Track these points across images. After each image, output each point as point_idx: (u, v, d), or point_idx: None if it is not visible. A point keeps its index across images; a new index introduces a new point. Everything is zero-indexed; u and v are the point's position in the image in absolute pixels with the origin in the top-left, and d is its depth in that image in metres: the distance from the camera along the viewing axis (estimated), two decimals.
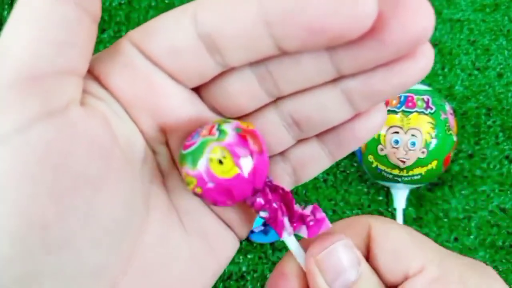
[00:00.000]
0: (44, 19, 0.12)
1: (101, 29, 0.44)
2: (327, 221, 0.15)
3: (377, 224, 0.16)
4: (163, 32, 0.14)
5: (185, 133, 0.16)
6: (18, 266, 0.12)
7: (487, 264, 0.16)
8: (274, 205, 0.15)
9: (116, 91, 0.15)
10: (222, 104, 0.16)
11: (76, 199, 0.12)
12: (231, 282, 0.39)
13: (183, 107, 0.15)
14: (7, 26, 0.12)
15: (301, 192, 0.41)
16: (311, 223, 0.15)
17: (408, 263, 0.15)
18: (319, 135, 0.17)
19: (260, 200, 0.15)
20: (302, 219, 0.15)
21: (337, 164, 0.42)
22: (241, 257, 0.40)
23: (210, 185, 0.14)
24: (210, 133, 0.14)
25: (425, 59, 0.14)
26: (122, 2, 0.45)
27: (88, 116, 0.13)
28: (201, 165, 0.14)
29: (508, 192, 0.40)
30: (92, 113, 0.13)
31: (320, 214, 0.15)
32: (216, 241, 0.16)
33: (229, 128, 0.14)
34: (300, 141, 0.17)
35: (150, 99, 0.15)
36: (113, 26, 0.44)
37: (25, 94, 0.12)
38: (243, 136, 0.14)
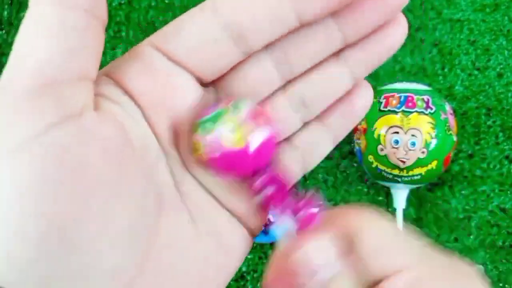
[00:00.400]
0: (55, 27, 0.12)
1: None
2: (318, 218, 0.15)
3: (362, 219, 0.16)
4: (185, 30, 0.15)
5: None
6: (41, 267, 0.12)
7: (484, 264, 0.16)
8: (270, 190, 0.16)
9: (137, 94, 0.15)
10: (239, 91, 0.16)
11: (93, 202, 0.13)
12: (231, 282, 0.39)
13: (198, 108, 0.16)
14: (20, 35, 0.13)
15: (301, 192, 0.41)
16: (303, 216, 0.15)
17: (389, 262, 0.15)
18: (321, 118, 0.18)
19: (259, 182, 0.15)
20: (294, 212, 0.16)
21: (337, 164, 0.42)
22: None
23: (216, 153, 0.15)
24: (226, 106, 0.15)
25: (403, 25, 0.17)
26: (122, 2, 0.45)
27: (102, 120, 0.14)
28: (212, 133, 0.15)
29: (508, 192, 0.40)
30: (105, 117, 0.14)
31: (313, 209, 0.15)
32: (229, 240, 0.17)
33: (244, 105, 0.15)
34: (304, 125, 0.18)
35: (169, 99, 0.15)
36: (113, 26, 0.44)
37: (41, 101, 0.12)
38: (256, 114, 0.15)
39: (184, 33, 0.15)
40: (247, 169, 0.15)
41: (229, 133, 0.14)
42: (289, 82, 0.17)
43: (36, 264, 0.12)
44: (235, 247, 0.17)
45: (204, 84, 0.16)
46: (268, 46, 0.16)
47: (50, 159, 0.12)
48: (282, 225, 0.16)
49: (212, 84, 0.17)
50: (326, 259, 0.15)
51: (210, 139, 0.15)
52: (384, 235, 0.15)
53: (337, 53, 0.17)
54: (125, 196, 0.14)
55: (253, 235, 0.18)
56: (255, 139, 0.15)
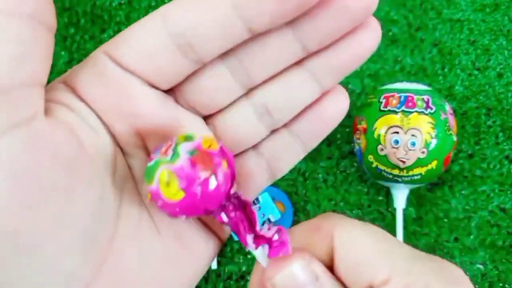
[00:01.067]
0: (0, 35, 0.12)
1: (101, 29, 0.44)
2: (289, 246, 0.15)
3: (341, 232, 0.15)
4: (134, 38, 0.15)
5: (161, 136, 0.16)
6: None
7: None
8: (236, 219, 0.15)
9: (91, 101, 0.15)
10: (197, 101, 0.16)
11: (44, 207, 0.13)
12: (231, 282, 0.39)
13: (157, 111, 0.16)
14: None
15: (301, 192, 0.41)
16: (275, 244, 0.15)
17: (372, 275, 0.14)
18: (289, 125, 0.18)
19: (222, 216, 0.15)
20: (265, 238, 0.15)
21: (337, 164, 0.42)
22: (241, 257, 0.40)
23: (160, 203, 0.14)
24: (165, 152, 0.14)
25: (375, 30, 0.16)
26: (122, 2, 0.45)
27: (53, 127, 0.13)
28: (153, 184, 0.14)
29: (508, 192, 0.40)
30: (57, 124, 0.14)
31: (284, 237, 0.15)
32: (193, 241, 0.17)
33: (184, 150, 0.14)
34: (272, 133, 0.18)
35: (124, 105, 0.15)
36: (113, 26, 0.44)
37: None
38: (193, 161, 0.14)
39: (133, 41, 0.15)
40: (198, 213, 0.15)
41: (166, 186, 0.14)
42: (251, 90, 0.17)
43: None
44: (200, 248, 0.17)
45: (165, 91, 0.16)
46: (223, 55, 0.16)
47: (0, 166, 0.12)
48: (255, 251, 0.15)
49: (171, 93, 0.16)
50: (309, 278, 0.15)
51: (151, 189, 0.14)
52: (365, 246, 0.15)
53: (300, 61, 0.16)
54: (78, 202, 0.13)
55: (221, 240, 0.17)
56: (193, 189, 0.14)
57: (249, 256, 0.40)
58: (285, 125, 0.18)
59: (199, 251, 0.17)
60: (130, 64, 0.15)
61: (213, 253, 0.17)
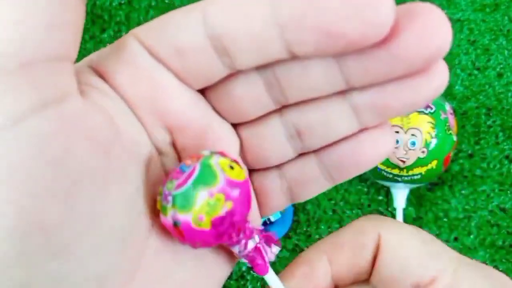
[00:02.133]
0: (27, 1, 0.11)
1: (101, 29, 0.44)
2: (266, 267, 0.15)
3: (388, 234, 0.15)
4: (171, 30, 0.14)
5: (192, 134, 0.15)
6: (19, 271, 0.11)
7: (499, 271, 0.15)
8: (250, 249, 0.15)
9: (121, 90, 0.14)
10: (226, 107, 0.15)
11: (79, 199, 0.11)
12: (231, 281, 0.39)
13: (188, 108, 0.15)
14: None
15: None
16: (257, 263, 0.15)
17: (420, 274, 0.15)
18: (320, 154, 0.16)
19: (235, 249, 0.15)
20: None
21: None
22: None
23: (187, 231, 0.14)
24: (178, 187, 0.13)
25: (439, 78, 0.14)
26: (122, 2, 0.45)
27: (89, 109, 0.12)
28: (161, 218, 0.14)
29: (508, 192, 0.40)
30: (93, 106, 0.13)
31: (261, 256, 0.15)
32: (208, 264, 0.16)
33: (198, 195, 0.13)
34: (299, 157, 0.16)
35: (155, 99, 0.14)
36: (113, 26, 0.44)
37: (16, 84, 0.11)
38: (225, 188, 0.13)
39: (168, 32, 0.14)
40: (208, 245, 0.14)
41: (174, 225, 0.13)
42: (285, 107, 0.15)
43: (14, 268, 0.11)
44: (217, 267, 0.16)
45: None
46: (259, 68, 0.14)
47: (28, 150, 0.11)
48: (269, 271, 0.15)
49: (202, 95, 0.15)
50: None
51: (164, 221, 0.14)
52: (413, 247, 0.15)
53: (342, 93, 0.15)
54: (114, 193, 0.12)
55: (233, 260, 0.17)
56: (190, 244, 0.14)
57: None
58: (315, 152, 0.16)
59: (217, 266, 0.16)
60: (164, 56, 0.14)
61: (225, 276, 0.16)
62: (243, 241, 0.14)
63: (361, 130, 0.15)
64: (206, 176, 0.13)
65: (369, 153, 0.15)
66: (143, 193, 0.14)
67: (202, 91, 0.15)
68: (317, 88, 0.14)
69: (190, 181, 0.13)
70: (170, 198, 0.13)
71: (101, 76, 0.14)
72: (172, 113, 0.14)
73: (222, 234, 0.13)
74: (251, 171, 0.17)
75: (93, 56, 0.14)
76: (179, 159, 0.16)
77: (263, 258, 0.15)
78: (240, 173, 0.14)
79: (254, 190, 0.17)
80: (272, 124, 0.16)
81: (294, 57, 0.13)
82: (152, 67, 0.14)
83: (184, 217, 0.13)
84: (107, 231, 0.12)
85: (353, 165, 0.16)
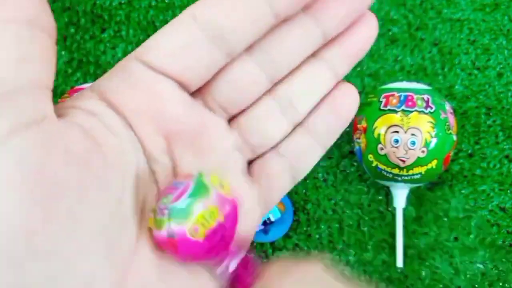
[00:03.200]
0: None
1: (101, 29, 0.44)
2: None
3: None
4: (165, 38, 0.15)
5: (188, 138, 0.16)
6: (7, 275, 0.11)
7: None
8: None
9: (120, 104, 0.15)
10: (227, 97, 0.17)
11: (58, 204, 0.12)
12: None
13: (185, 114, 0.16)
14: None
15: (301, 191, 0.41)
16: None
17: None
18: (306, 124, 0.18)
19: (219, 268, 0.15)
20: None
21: (337, 163, 0.42)
22: None
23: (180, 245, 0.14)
24: (174, 200, 0.14)
25: (372, 20, 0.18)
26: (122, 2, 0.45)
27: (65, 127, 0.14)
28: (155, 233, 0.14)
29: (508, 191, 0.40)
30: (69, 124, 0.14)
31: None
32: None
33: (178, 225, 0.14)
34: (291, 134, 0.18)
35: (153, 106, 0.15)
36: (113, 26, 0.44)
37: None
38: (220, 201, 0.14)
39: (164, 42, 0.15)
40: (207, 257, 0.15)
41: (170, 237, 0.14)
42: (275, 85, 0.18)
43: (1, 273, 0.11)
44: (207, 284, 0.16)
45: (192, 94, 0.16)
46: (249, 49, 0.16)
47: (11, 162, 0.12)
48: None
49: (200, 94, 0.17)
50: None
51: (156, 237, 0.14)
52: None
53: (316, 52, 0.18)
54: (93, 200, 0.13)
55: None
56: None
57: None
58: (301, 125, 0.18)
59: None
60: (162, 64, 0.15)
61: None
62: (228, 260, 0.15)
63: (336, 85, 0.18)
64: (201, 190, 0.14)
65: (345, 102, 0.18)
66: (128, 198, 0.14)
67: (200, 91, 0.17)
68: (301, 49, 0.17)
69: (186, 195, 0.14)
70: (166, 211, 0.14)
71: (100, 95, 0.15)
72: (168, 119, 0.16)
73: (213, 248, 0.14)
74: (251, 161, 0.18)
75: (97, 80, 0.16)
76: (174, 166, 0.16)
77: (245, 277, 0.15)
78: (229, 192, 0.15)
79: (261, 176, 0.18)
80: (266, 103, 0.18)
81: (277, 25, 0.16)
82: (149, 78, 0.15)
83: (180, 228, 0.14)
84: (90, 234, 0.13)
85: (336, 122, 0.18)
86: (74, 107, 0.15)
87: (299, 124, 0.18)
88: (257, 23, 0.15)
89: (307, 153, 0.18)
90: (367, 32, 0.18)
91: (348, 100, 0.18)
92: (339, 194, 0.41)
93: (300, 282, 0.16)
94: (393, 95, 0.36)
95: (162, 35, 0.15)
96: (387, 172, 0.36)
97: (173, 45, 0.15)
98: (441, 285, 0.39)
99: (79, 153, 0.13)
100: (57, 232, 0.12)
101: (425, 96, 0.35)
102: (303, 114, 0.18)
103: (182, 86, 0.16)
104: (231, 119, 0.18)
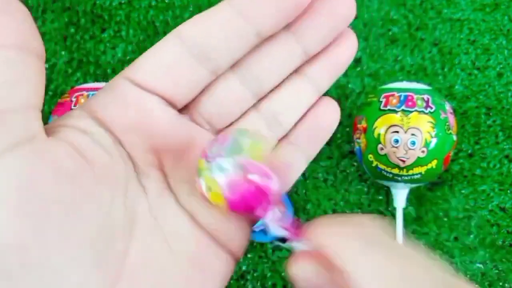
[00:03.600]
0: None
1: (101, 29, 0.44)
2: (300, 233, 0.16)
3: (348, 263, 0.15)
4: (152, 57, 0.16)
5: (176, 151, 0.16)
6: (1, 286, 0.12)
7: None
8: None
9: (109, 121, 0.16)
10: (213, 113, 0.17)
11: (49, 219, 0.13)
12: (231, 281, 0.39)
13: (173, 128, 0.16)
14: None
15: (301, 191, 0.41)
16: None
17: None
18: (289, 137, 0.19)
19: (268, 215, 0.16)
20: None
21: (337, 163, 0.42)
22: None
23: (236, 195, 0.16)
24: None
25: (352, 38, 0.18)
26: (122, 1, 0.45)
27: (54, 145, 0.14)
28: (200, 183, 0.16)
29: (508, 191, 0.40)
30: (58, 142, 0.14)
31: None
32: (207, 260, 0.17)
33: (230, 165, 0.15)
34: (276, 147, 0.19)
35: (142, 123, 0.16)
36: (113, 26, 0.44)
37: None
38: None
39: (151, 61, 0.16)
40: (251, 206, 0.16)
41: (209, 189, 0.16)
42: (259, 100, 0.18)
43: None
44: (214, 270, 0.17)
45: (179, 111, 0.17)
46: (233, 67, 0.17)
47: (2, 181, 0.12)
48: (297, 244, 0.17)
49: (187, 110, 0.17)
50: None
51: (201, 187, 0.16)
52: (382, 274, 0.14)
53: (298, 70, 0.18)
54: (83, 214, 0.14)
55: (235, 258, 0.18)
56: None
57: (249, 256, 0.40)
58: (286, 138, 0.19)
59: (213, 270, 0.17)
60: (149, 82, 0.16)
61: (228, 272, 0.17)
62: (273, 206, 0.16)
63: (318, 99, 0.19)
64: (242, 132, 0.16)
65: (326, 116, 0.19)
66: (116, 215, 0.15)
67: (187, 108, 0.17)
68: (283, 66, 0.18)
69: (231, 136, 0.16)
70: (222, 151, 0.15)
71: (90, 113, 0.16)
72: (156, 135, 0.16)
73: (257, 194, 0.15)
74: None
75: (88, 99, 0.17)
76: (166, 180, 0.17)
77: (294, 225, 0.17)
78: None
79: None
80: (251, 119, 0.18)
81: (260, 43, 0.17)
82: (138, 96, 0.16)
83: (240, 158, 0.15)
84: (80, 245, 0.14)
85: (319, 132, 0.19)
86: (64, 126, 0.15)
87: (283, 137, 0.19)
88: (240, 42, 0.16)
89: (292, 165, 0.19)
90: (348, 48, 0.18)
91: (330, 113, 0.19)
92: (339, 194, 0.41)
93: (358, 233, 0.15)
94: (393, 95, 0.36)
95: (150, 54, 0.16)
96: (387, 172, 0.36)
97: (160, 64, 0.16)
98: None
99: (69, 170, 0.14)
100: (47, 245, 0.13)
101: (425, 96, 0.35)
102: (287, 128, 0.19)
103: (170, 102, 0.16)
104: (218, 133, 0.18)
